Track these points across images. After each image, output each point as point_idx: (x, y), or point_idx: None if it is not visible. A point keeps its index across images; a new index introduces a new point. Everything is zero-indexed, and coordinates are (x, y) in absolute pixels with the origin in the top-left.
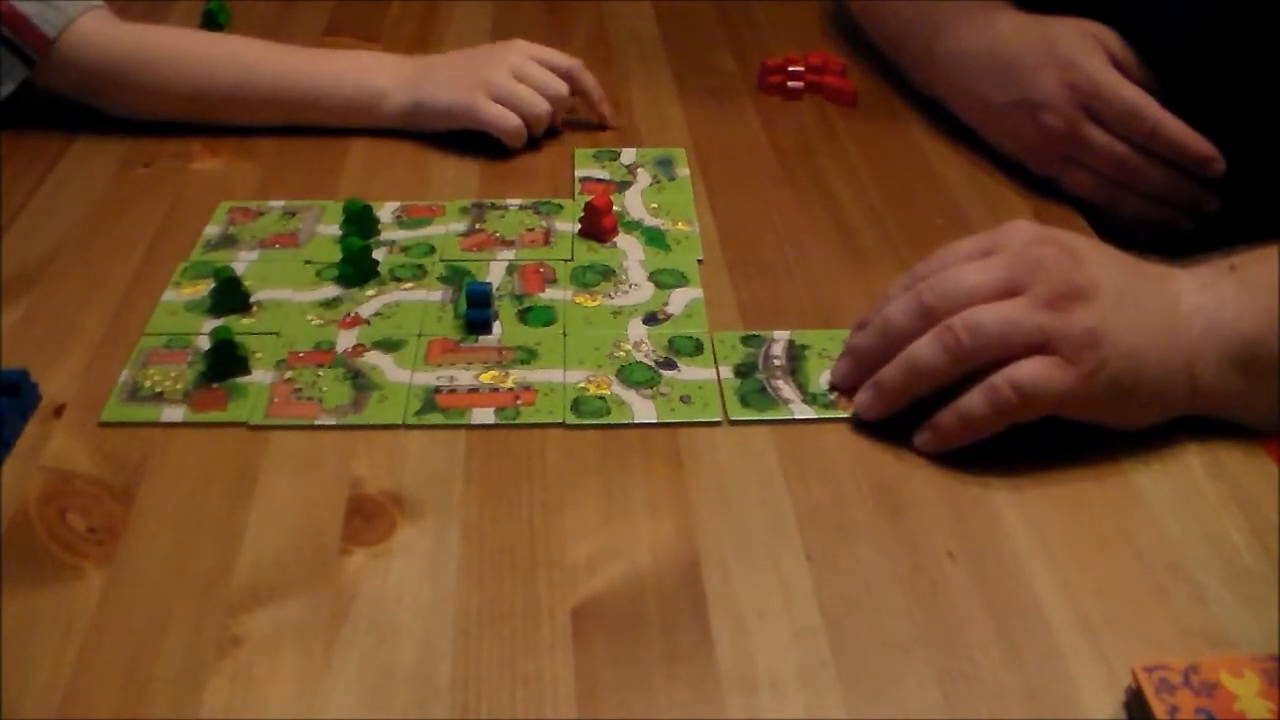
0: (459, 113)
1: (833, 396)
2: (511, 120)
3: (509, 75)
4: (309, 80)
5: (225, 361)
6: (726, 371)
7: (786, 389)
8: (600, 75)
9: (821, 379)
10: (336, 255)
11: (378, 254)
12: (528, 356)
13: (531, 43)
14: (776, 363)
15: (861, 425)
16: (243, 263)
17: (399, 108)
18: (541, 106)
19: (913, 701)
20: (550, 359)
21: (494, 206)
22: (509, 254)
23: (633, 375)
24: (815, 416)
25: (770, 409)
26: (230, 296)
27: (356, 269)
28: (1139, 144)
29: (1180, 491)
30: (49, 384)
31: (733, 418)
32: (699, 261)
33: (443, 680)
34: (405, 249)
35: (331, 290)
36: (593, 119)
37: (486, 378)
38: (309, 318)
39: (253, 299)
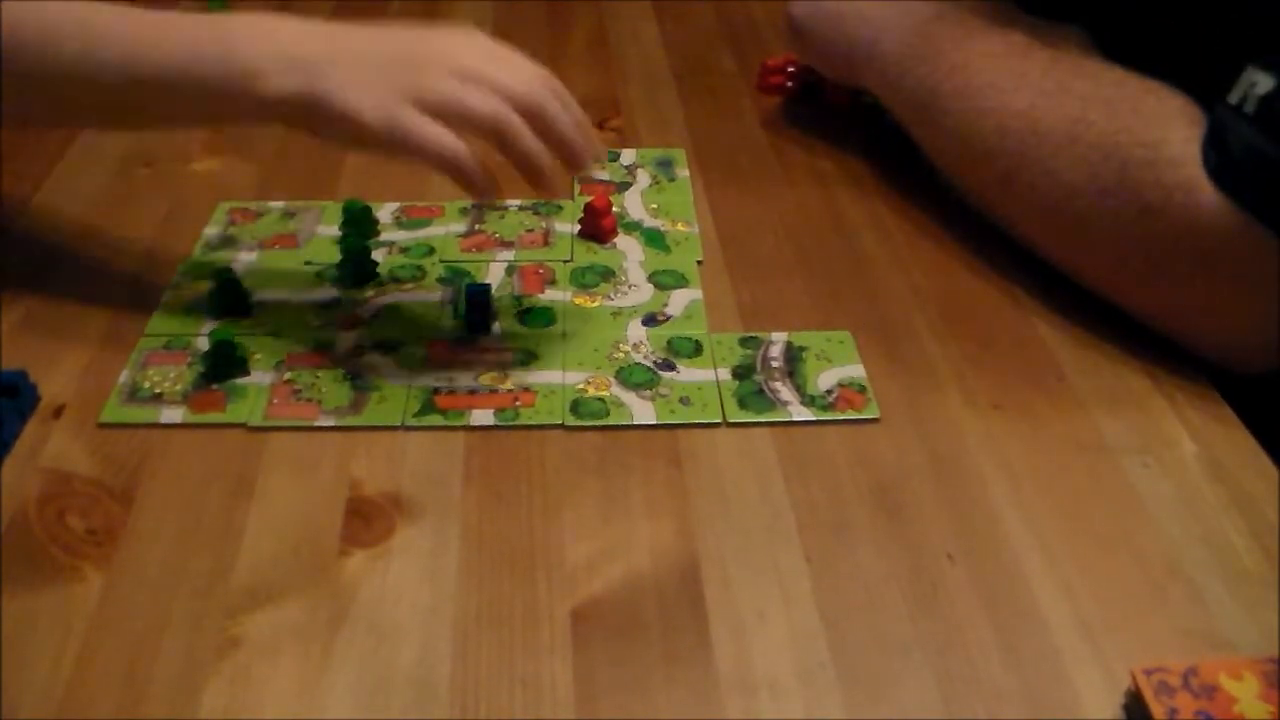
0: (377, 130)
1: (831, 399)
2: (450, 142)
3: (456, 80)
4: (155, 52)
5: (224, 362)
6: (724, 374)
7: (784, 391)
8: (600, 75)
9: (820, 381)
10: (336, 256)
11: (377, 255)
12: (527, 358)
13: (491, 40)
14: (774, 364)
15: (861, 427)
16: (242, 263)
17: (280, 94)
18: (503, 118)
19: (912, 703)
20: (549, 360)
21: (493, 207)
22: (508, 255)
23: (632, 376)
24: (813, 419)
25: (768, 411)
26: (230, 297)
27: (356, 270)
28: None
29: (1179, 493)
30: (48, 385)
31: (730, 420)
32: (698, 263)
33: (441, 681)
34: (405, 250)
35: (331, 291)
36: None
37: (486, 379)
38: (308, 319)
39: (252, 300)
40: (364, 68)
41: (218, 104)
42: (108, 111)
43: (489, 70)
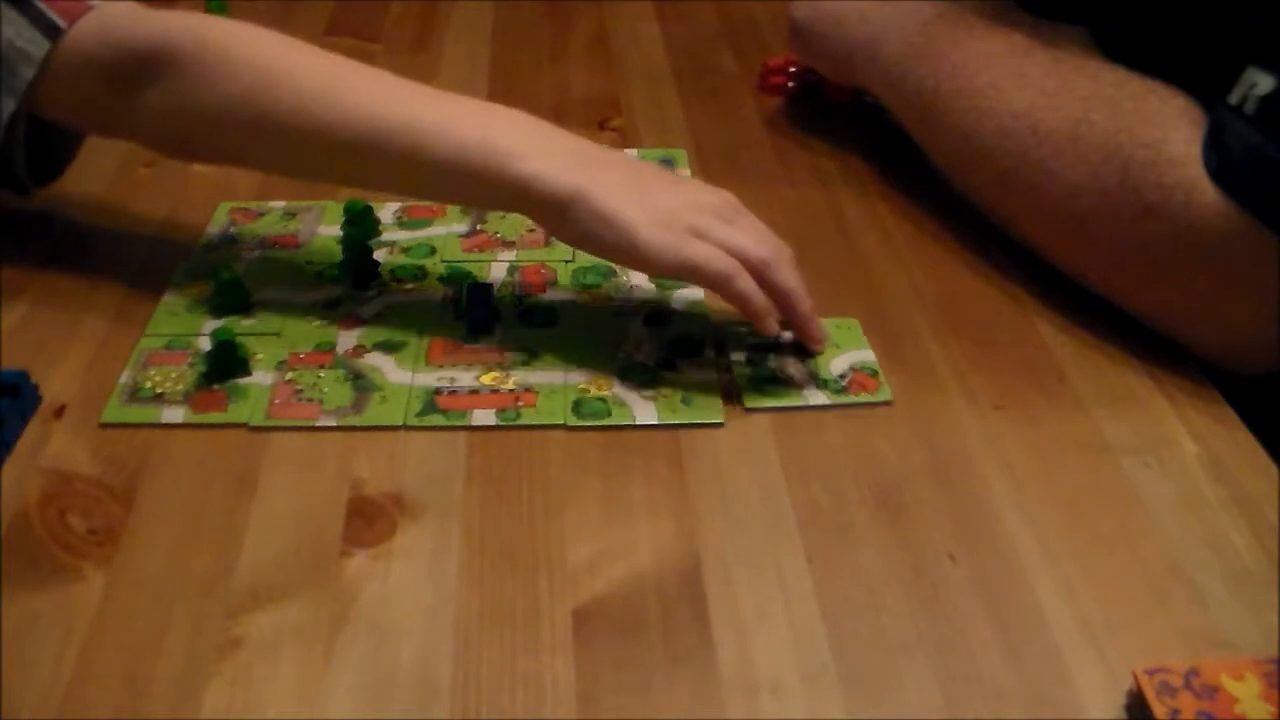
0: (648, 242)
1: (844, 383)
2: (726, 258)
3: (711, 216)
4: (412, 117)
5: (226, 362)
6: (738, 358)
7: (798, 375)
8: (600, 76)
9: (833, 365)
10: (337, 256)
11: (378, 255)
12: (528, 358)
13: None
14: (786, 350)
15: (862, 427)
16: (243, 263)
17: (542, 182)
18: (769, 251)
19: (913, 703)
20: (551, 360)
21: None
22: (510, 255)
23: (633, 376)
24: (829, 403)
25: (784, 397)
26: (231, 297)
27: (357, 270)
28: None
29: (1180, 493)
30: (49, 385)
31: (748, 406)
32: None
33: (443, 681)
34: (406, 250)
35: (332, 291)
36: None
37: (487, 379)
38: (310, 319)
39: (253, 300)
40: (615, 175)
41: (468, 180)
42: (327, 167)
43: (741, 221)
